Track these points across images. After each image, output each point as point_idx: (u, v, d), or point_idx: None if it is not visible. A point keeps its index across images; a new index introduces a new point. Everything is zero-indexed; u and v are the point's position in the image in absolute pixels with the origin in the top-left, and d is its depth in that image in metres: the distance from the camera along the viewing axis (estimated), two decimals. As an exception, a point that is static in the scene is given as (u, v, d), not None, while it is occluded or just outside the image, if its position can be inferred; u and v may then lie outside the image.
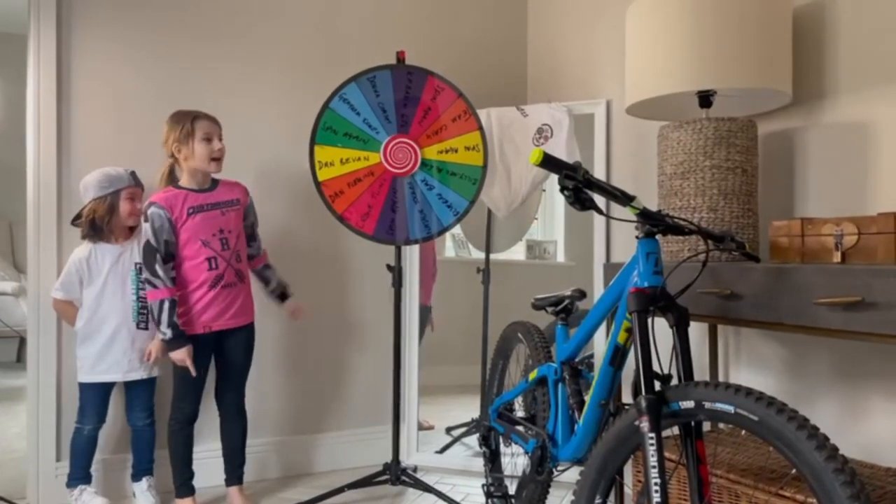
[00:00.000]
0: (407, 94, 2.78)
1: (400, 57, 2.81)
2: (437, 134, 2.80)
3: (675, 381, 1.58)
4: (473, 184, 2.80)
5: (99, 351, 2.60)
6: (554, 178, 3.05)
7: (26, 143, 2.74)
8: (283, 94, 3.11)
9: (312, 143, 2.71)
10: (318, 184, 2.70)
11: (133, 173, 2.67)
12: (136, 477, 2.70)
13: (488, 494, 2.43)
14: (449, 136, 2.81)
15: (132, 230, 2.70)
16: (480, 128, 2.82)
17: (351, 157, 2.74)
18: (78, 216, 2.63)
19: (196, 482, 2.66)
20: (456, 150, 2.80)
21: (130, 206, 2.61)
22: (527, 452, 2.16)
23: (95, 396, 2.62)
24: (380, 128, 2.76)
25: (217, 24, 3.00)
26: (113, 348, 2.60)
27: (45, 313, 2.71)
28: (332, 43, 3.21)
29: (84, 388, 2.62)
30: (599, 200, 2.97)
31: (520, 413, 2.45)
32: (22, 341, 5.63)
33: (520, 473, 2.24)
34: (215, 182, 2.63)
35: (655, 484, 1.47)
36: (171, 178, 2.60)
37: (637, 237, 1.68)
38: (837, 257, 1.77)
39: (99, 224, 2.58)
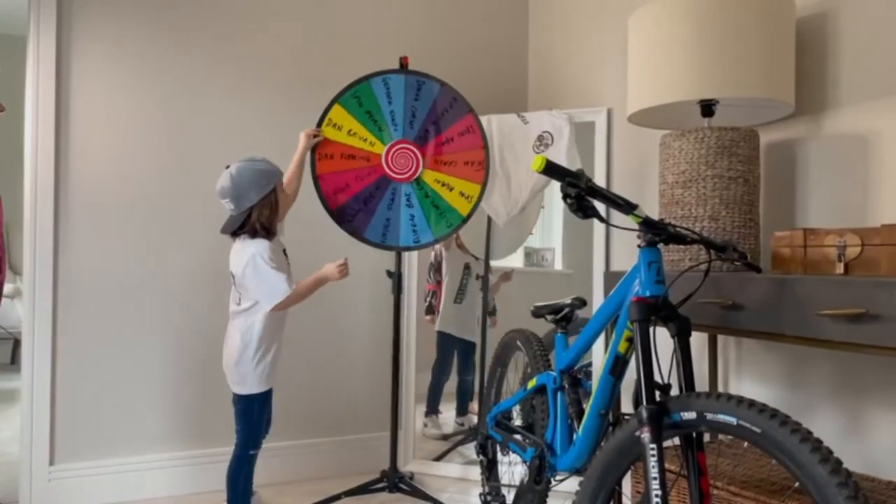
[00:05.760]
0: (443, 115, 2.80)
1: (403, 62, 2.80)
2: (444, 164, 2.81)
3: (675, 392, 1.57)
4: (448, 227, 2.80)
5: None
6: (553, 188, 3.05)
7: (24, 143, 2.72)
8: (282, 97, 3.10)
9: (334, 100, 2.73)
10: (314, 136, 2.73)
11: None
12: None
13: (485, 503, 2.41)
14: (453, 173, 2.81)
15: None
16: (484, 183, 2.81)
17: (360, 133, 2.75)
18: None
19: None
20: (451, 189, 2.80)
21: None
22: (525, 461, 2.15)
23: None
24: (400, 126, 2.77)
25: (218, 26, 2.99)
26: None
27: (41, 315, 2.69)
28: (332, 49, 3.21)
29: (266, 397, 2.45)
30: (601, 208, 2.96)
31: (517, 422, 2.43)
32: (16, 343, 5.60)
33: (517, 482, 2.22)
34: None
35: (656, 495, 1.45)
36: None
37: (639, 246, 1.67)
38: (840, 269, 1.76)
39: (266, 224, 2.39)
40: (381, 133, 2.76)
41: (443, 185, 2.80)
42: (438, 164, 2.80)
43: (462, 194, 2.80)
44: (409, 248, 2.82)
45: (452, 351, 3.42)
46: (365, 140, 2.75)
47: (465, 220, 2.80)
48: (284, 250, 2.49)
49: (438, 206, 2.80)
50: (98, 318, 2.80)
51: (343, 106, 2.73)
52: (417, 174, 2.78)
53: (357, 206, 2.75)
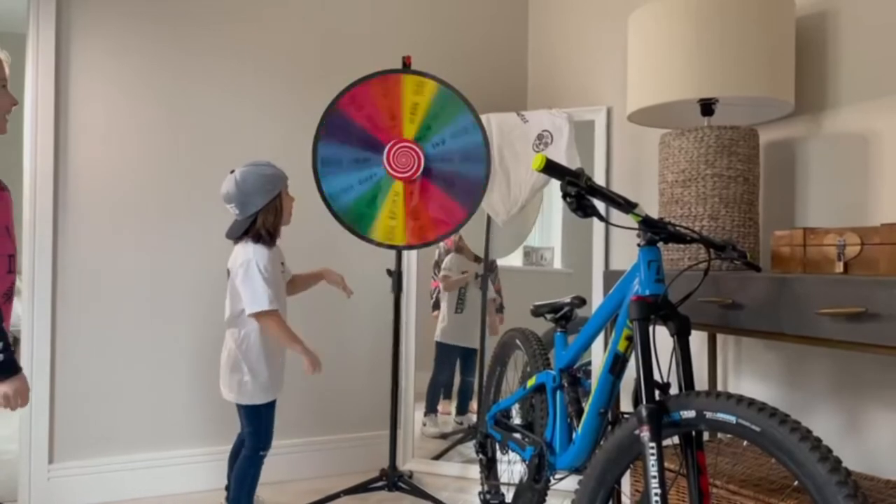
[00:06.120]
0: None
1: (406, 62, 2.78)
2: (394, 118, 2.75)
3: (674, 390, 1.57)
4: (461, 107, 2.75)
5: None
6: (552, 187, 3.05)
7: (23, 142, 2.72)
8: (283, 95, 3.10)
9: (341, 222, 2.70)
10: (382, 244, 2.73)
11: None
12: None
13: (485, 502, 2.41)
14: (398, 104, 2.75)
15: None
16: (406, 67, 2.75)
17: (378, 200, 2.74)
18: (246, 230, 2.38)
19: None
20: (417, 104, 2.76)
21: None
22: (524, 460, 2.15)
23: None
24: (369, 156, 2.73)
25: (219, 23, 2.99)
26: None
27: (40, 313, 2.69)
28: (334, 48, 3.20)
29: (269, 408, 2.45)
30: (600, 207, 2.96)
31: (517, 420, 2.43)
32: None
33: (517, 481, 2.22)
34: None
35: (655, 494, 1.45)
36: None
37: (639, 245, 1.67)
38: (840, 268, 1.76)
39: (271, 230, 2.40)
40: (374, 178, 2.73)
41: (412, 112, 2.75)
42: (393, 122, 2.74)
43: (416, 91, 2.74)
44: (489, 152, 2.78)
45: (454, 358, 3.42)
46: (385, 201, 2.74)
47: (447, 86, 2.75)
48: (283, 262, 2.49)
49: (434, 113, 2.77)
50: (97, 317, 2.80)
51: (343, 212, 2.70)
52: (412, 144, 2.75)
53: (452, 204, 2.74)
